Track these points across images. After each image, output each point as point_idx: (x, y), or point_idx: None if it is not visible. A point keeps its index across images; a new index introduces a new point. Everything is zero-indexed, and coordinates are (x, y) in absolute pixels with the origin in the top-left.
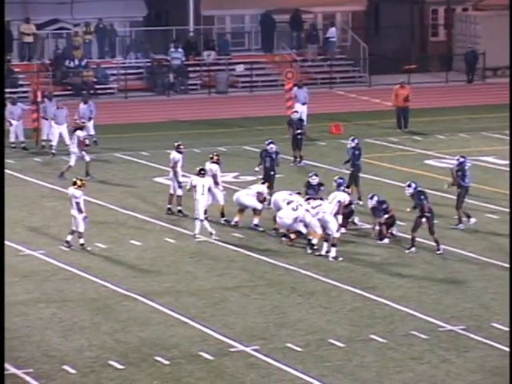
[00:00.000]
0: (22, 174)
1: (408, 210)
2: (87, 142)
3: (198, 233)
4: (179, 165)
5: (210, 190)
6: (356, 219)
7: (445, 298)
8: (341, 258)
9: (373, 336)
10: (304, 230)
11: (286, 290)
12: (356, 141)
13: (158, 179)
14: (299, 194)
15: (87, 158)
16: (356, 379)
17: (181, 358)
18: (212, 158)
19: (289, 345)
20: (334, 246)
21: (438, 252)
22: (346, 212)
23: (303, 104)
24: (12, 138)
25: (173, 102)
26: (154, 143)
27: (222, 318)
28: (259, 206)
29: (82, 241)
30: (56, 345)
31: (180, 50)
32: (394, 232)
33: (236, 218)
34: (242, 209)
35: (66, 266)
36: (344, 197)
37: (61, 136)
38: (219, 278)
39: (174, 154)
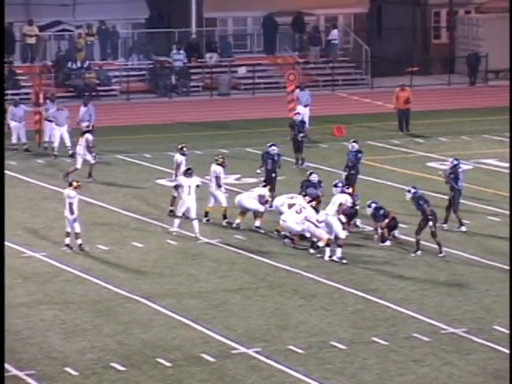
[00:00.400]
0: (24, 176)
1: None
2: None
3: (175, 230)
4: (182, 167)
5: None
6: (358, 221)
7: (447, 300)
8: (345, 261)
9: (375, 338)
10: (308, 234)
11: (288, 292)
12: (357, 144)
13: (160, 181)
14: (304, 196)
15: (92, 160)
16: (358, 381)
17: (183, 360)
18: (217, 160)
19: (290, 347)
20: (340, 246)
21: (440, 255)
22: (351, 213)
23: (305, 106)
24: (14, 140)
25: (175, 104)
26: (156, 145)
27: (224, 320)
28: (261, 208)
29: (79, 241)
30: (58, 346)
31: (182, 51)
32: (396, 234)
33: (238, 221)
34: (244, 211)
35: (68, 268)
36: (345, 198)
37: (61, 138)
38: (221, 280)
39: (178, 157)
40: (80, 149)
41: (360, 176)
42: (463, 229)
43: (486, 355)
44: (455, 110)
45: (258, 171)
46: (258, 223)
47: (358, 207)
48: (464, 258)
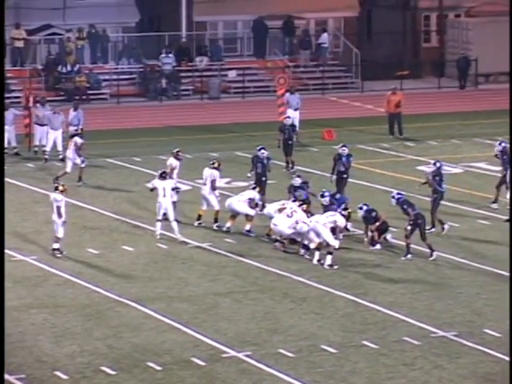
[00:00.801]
0: (15, 180)
1: (418, 187)
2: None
3: (159, 233)
4: (176, 171)
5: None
6: (349, 225)
7: (437, 304)
8: (336, 266)
9: (365, 342)
10: (299, 238)
11: (279, 296)
12: (347, 148)
13: (150, 185)
14: (294, 201)
15: (81, 163)
16: None
17: (173, 363)
18: (213, 164)
19: (281, 350)
20: (329, 253)
21: (431, 258)
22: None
23: (295, 110)
24: (4, 144)
25: (165, 107)
26: (147, 149)
27: (214, 324)
28: (251, 212)
29: (56, 245)
30: (48, 350)
31: (171, 55)
32: (388, 238)
33: (228, 224)
34: (234, 215)
35: (58, 272)
36: (342, 221)
37: (54, 141)
38: (211, 284)
39: (172, 161)
40: (69, 152)
41: (349, 180)
42: (433, 230)
43: (476, 358)
44: (445, 114)
45: (249, 175)
46: (248, 227)
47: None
48: (454, 261)
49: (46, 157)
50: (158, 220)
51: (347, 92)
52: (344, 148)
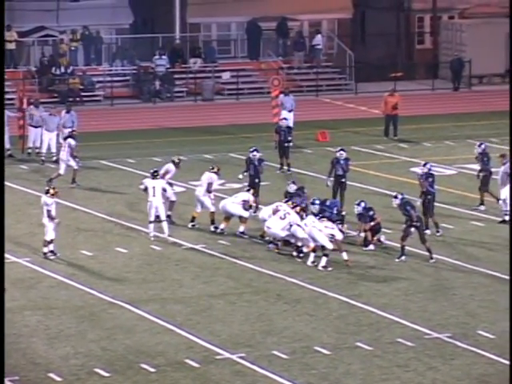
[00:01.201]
0: (8, 182)
1: (418, 203)
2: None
3: (152, 234)
4: (168, 176)
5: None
6: (345, 226)
7: (431, 305)
8: (330, 268)
9: (359, 343)
10: (292, 240)
11: (272, 298)
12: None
13: (142, 186)
14: (286, 202)
15: (75, 165)
16: None
17: (166, 365)
18: (213, 169)
19: (275, 352)
20: (325, 255)
21: (431, 260)
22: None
23: (289, 111)
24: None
25: (159, 109)
26: (140, 150)
27: (208, 326)
28: (245, 214)
29: (46, 249)
30: (42, 352)
31: (164, 57)
32: (382, 239)
33: (222, 226)
34: (228, 216)
35: (52, 274)
36: (340, 236)
37: (48, 143)
38: (205, 286)
39: (170, 166)
40: (63, 154)
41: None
42: (440, 232)
43: (470, 360)
44: (439, 115)
45: (240, 176)
46: (242, 229)
47: (344, 213)
48: (448, 263)
49: (43, 158)
50: (150, 221)
51: (341, 94)
52: (342, 152)
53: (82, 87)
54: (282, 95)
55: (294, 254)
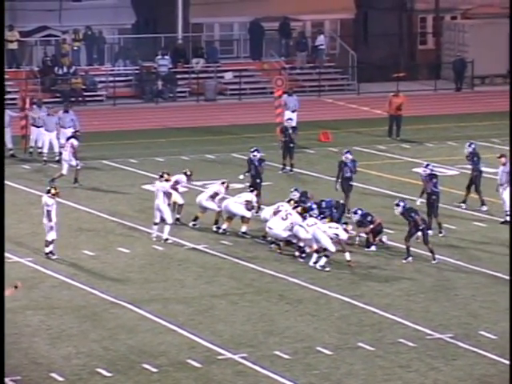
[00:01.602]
0: (10, 181)
1: (418, 202)
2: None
3: (155, 235)
4: (178, 186)
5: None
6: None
7: (433, 306)
8: (328, 269)
9: (361, 344)
10: (294, 240)
11: (274, 298)
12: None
13: (146, 186)
14: (289, 202)
15: (78, 164)
16: None
17: (169, 365)
18: (224, 184)
19: (277, 352)
20: (326, 256)
21: (434, 261)
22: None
23: (293, 111)
24: None
25: (161, 109)
26: (143, 150)
27: (210, 326)
28: (248, 214)
29: (47, 250)
30: (44, 352)
31: (167, 57)
32: (384, 240)
33: (224, 226)
34: (231, 217)
35: (54, 274)
36: (345, 236)
37: (50, 143)
38: (207, 286)
39: (182, 177)
40: (66, 155)
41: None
42: (443, 233)
43: (472, 361)
44: (441, 116)
45: (241, 177)
46: (244, 229)
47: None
48: (450, 263)
49: (45, 158)
50: (155, 223)
51: (343, 94)
52: (347, 155)
53: (84, 87)
54: (285, 95)
55: (296, 254)
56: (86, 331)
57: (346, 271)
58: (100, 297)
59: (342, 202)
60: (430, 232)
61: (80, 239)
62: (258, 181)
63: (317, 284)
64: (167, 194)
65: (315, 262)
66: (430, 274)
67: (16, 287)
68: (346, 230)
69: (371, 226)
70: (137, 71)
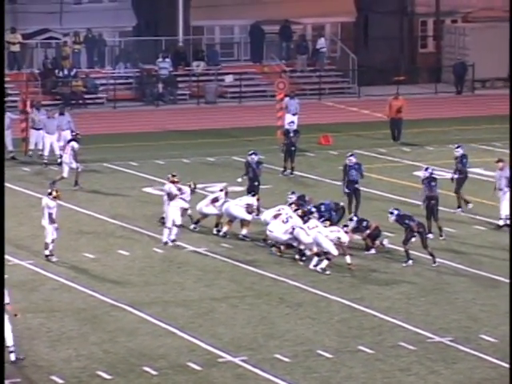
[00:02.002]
0: (11, 184)
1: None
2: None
3: (165, 240)
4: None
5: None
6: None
7: (433, 309)
8: (328, 272)
9: (361, 347)
10: (294, 244)
11: (275, 301)
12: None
13: (146, 189)
14: (290, 205)
15: (78, 167)
16: None
17: (168, 368)
18: (223, 190)
19: (277, 355)
20: (328, 259)
21: (434, 264)
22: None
23: (294, 114)
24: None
25: (162, 112)
26: (143, 153)
27: (210, 329)
28: (248, 217)
29: (47, 252)
30: (44, 355)
31: (168, 60)
32: (385, 243)
33: (225, 229)
34: (231, 220)
35: (54, 276)
36: (346, 239)
37: (51, 145)
38: (207, 289)
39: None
40: (66, 157)
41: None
42: (443, 236)
43: (472, 364)
44: (442, 119)
45: (239, 180)
46: (244, 232)
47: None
48: (451, 267)
49: (45, 161)
50: (166, 227)
51: (344, 97)
52: (351, 158)
53: (85, 90)
54: (287, 98)
55: (297, 257)
56: (86, 334)
57: (347, 274)
58: (100, 299)
59: (341, 204)
60: (430, 236)
61: (80, 242)
62: (256, 183)
63: (317, 287)
64: (170, 195)
65: (316, 265)
66: (430, 278)
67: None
68: (346, 233)
69: (368, 232)
70: (137, 74)
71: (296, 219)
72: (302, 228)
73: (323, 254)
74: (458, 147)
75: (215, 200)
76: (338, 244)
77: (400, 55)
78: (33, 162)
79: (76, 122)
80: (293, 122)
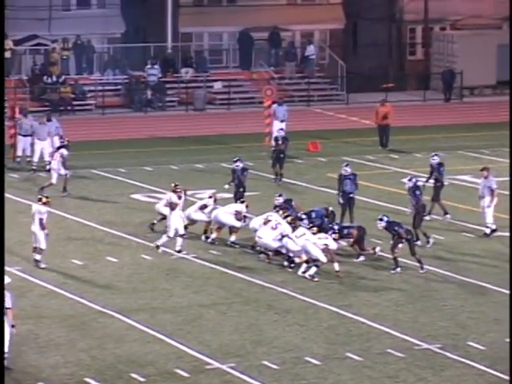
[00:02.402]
0: None
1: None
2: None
3: (178, 249)
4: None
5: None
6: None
7: (421, 316)
8: (316, 279)
9: (349, 354)
10: (283, 251)
11: (263, 308)
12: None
13: (135, 196)
14: (277, 212)
15: (67, 174)
16: None
17: (156, 375)
18: (211, 197)
19: (265, 362)
20: (316, 266)
21: (422, 271)
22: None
23: (281, 121)
24: None
25: (150, 118)
26: (132, 160)
27: (198, 335)
28: (237, 224)
29: (38, 257)
30: (32, 361)
31: (156, 66)
32: (377, 250)
33: (213, 236)
34: (220, 226)
35: (42, 283)
36: (334, 246)
37: (41, 151)
38: (195, 295)
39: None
40: (55, 164)
41: (334, 192)
42: (431, 240)
43: (460, 371)
44: (430, 126)
45: (226, 186)
46: (233, 238)
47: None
48: (439, 274)
49: (34, 167)
50: (168, 236)
51: (332, 104)
52: (346, 168)
53: (73, 96)
54: (275, 105)
55: (285, 264)
56: (73, 340)
57: (335, 281)
58: (88, 306)
59: (331, 209)
60: (418, 243)
61: (68, 248)
62: (242, 190)
63: (305, 294)
64: (171, 205)
65: (304, 272)
66: (418, 285)
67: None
68: (335, 240)
69: (351, 240)
70: (126, 80)
71: (285, 226)
72: (290, 237)
73: (312, 261)
74: (434, 155)
75: (204, 206)
76: (326, 251)
77: (388, 62)
78: (21, 168)
79: (64, 128)
80: (282, 129)
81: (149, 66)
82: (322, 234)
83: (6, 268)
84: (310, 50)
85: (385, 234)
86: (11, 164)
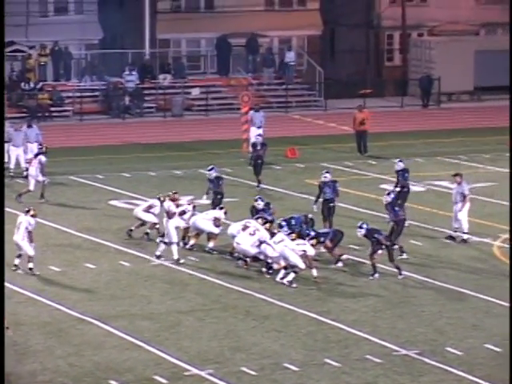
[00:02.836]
0: None
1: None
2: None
3: (176, 257)
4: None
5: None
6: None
7: (399, 322)
8: (295, 285)
9: (327, 360)
10: (261, 257)
11: (241, 314)
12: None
13: (112, 202)
14: (257, 219)
15: (45, 180)
16: None
17: (135, 381)
18: (190, 204)
19: (243, 369)
20: (294, 272)
21: (400, 276)
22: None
23: (258, 128)
24: None
25: (128, 125)
26: (109, 166)
27: (177, 342)
28: (215, 230)
29: (31, 265)
30: (10, 368)
31: (134, 72)
32: (344, 258)
33: (191, 242)
34: (198, 233)
35: (20, 290)
36: (312, 252)
37: (16, 158)
38: (174, 302)
39: (156, 202)
40: (32, 170)
41: (312, 198)
42: (404, 256)
43: (438, 377)
44: (408, 132)
45: (204, 197)
46: (211, 245)
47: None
48: (417, 280)
49: (11, 174)
50: (165, 242)
51: (310, 110)
52: (326, 175)
53: (51, 103)
54: (252, 111)
55: (264, 270)
56: (51, 347)
57: (313, 287)
58: (66, 313)
59: (310, 216)
60: (396, 247)
61: (46, 255)
62: (219, 197)
63: (284, 300)
64: (168, 214)
65: (282, 278)
66: (396, 291)
67: (7, 328)
68: (313, 246)
69: (329, 244)
70: (104, 87)
71: (263, 232)
72: (268, 244)
73: (290, 268)
74: (399, 161)
75: (182, 213)
76: (305, 257)
77: (366, 68)
78: None
79: (42, 134)
80: (260, 135)
81: (127, 73)
82: (301, 240)
83: None
84: (290, 56)
85: (362, 240)
86: None
